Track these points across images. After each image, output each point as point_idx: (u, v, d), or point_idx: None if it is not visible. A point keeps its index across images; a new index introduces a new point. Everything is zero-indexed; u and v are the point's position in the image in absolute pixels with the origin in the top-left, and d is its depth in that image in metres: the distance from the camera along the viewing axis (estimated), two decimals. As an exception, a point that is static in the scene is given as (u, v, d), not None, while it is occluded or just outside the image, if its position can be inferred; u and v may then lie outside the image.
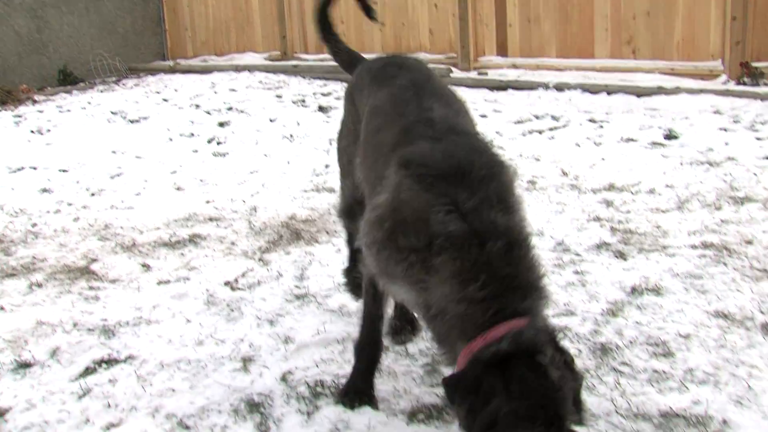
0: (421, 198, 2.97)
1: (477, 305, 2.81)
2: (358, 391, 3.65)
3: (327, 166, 7.77)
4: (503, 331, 2.74)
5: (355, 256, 4.26)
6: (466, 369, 2.77)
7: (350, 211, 4.09)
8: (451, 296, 2.86)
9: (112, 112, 10.84)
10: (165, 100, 11.57)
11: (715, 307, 4.53)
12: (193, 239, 5.97)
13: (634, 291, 4.74)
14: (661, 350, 4.08)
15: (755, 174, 7.10)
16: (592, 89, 10.74)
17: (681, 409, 3.56)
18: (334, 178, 7.31)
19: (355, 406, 3.60)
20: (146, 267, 5.48)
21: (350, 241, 4.36)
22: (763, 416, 3.51)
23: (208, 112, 10.53)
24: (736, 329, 4.27)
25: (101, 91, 12.79)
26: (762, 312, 4.46)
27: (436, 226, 2.89)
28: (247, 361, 4.10)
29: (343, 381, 3.84)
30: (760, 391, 3.69)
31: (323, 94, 11.56)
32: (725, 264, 5.13)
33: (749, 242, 5.51)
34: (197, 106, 10.95)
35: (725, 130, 8.78)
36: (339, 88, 11.62)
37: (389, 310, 3.78)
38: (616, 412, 3.54)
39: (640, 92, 10.48)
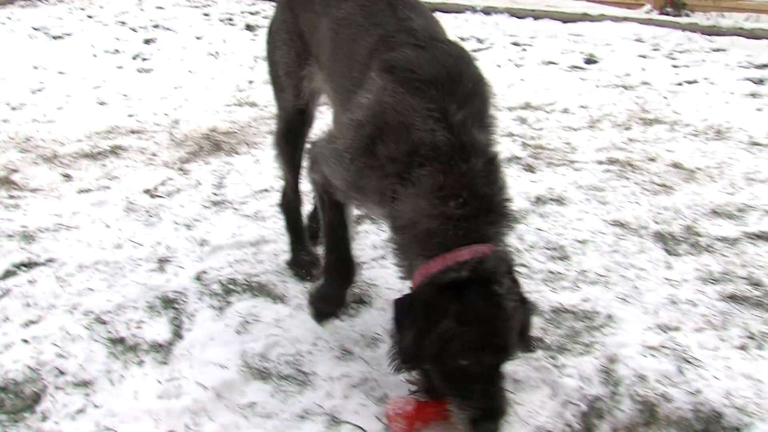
0: (407, 102, 2.85)
1: (450, 223, 2.78)
2: (330, 301, 3.64)
3: (251, 82, 7.81)
4: (466, 255, 2.73)
5: (297, 184, 4.16)
6: (421, 291, 2.79)
7: (292, 129, 3.96)
8: (426, 210, 2.80)
9: (34, 28, 10.58)
10: (90, 16, 11.35)
11: (614, 216, 4.80)
12: (115, 150, 6.01)
13: (539, 200, 4.98)
14: (558, 254, 4.34)
15: (665, 98, 7.38)
16: (519, 14, 10.87)
17: (571, 306, 3.84)
18: (257, 93, 7.39)
19: (325, 316, 3.66)
20: (67, 177, 5.52)
21: (292, 165, 4.10)
22: (644, 311, 3.80)
23: (134, 29, 10.39)
24: (631, 236, 4.55)
25: (22, 7, 12.45)
26: (656, 222, 4.74)
27: (422, 134, 2.81)
28: (163, 262, 4.23)
29: (255, 279, 4.02)
30: (644, 291, 3.98)
31: (251, 13, 11.47)
32: (627, 178, 5.40)
33: (653, 159, 5.79)
34: (123, 23, 10.79)
35: (644, 57, 9.04)
36: (267, 7, 11.54)
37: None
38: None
39: (566, 18, 10.65)
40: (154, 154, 5.87)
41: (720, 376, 3.34)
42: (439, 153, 2.80)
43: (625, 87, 7.73)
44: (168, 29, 10.40)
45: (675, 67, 8.62)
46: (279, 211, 4.30)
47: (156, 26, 10.59)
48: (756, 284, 4.06)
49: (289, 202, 4.21)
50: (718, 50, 9.38)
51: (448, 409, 2.85)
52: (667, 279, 4.09)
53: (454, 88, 2.87)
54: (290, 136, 3.97)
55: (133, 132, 6.39)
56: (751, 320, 3.75)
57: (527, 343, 3.00)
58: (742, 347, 3.55)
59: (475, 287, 2.71)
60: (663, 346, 3.51)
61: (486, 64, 8.48)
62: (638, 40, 9.81)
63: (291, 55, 3.80)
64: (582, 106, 7.05)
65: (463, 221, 2.80)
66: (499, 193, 2.92)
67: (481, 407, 2.77)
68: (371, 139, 2.92)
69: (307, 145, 3.84)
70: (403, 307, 2.84)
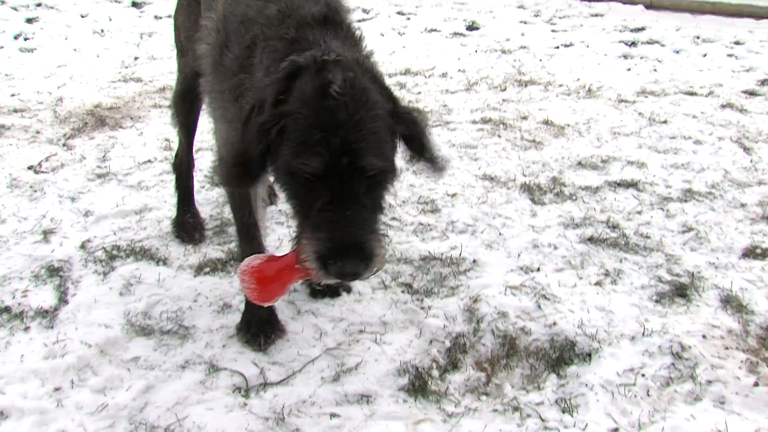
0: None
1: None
2: (260, 320, 3.38)
3: (136, 58, 7.81)
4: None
5: (191, 146, 4.24)
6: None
7: (189, 91, 3.90)
8: None
9: None
10: (-32, -4, 11.04)
11: (484, 171, 5.07)
12: (-3, 129, 5.97)
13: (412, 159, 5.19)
14: (429, 207, 4.58)
15: (541, 60, 7.72)
16: (405, -16, 11.08)
17: (439, 253, 4.08)
18: (142, 69, 7.41)
19: (261, 342, 3.33)
20: (-52, 157, 5.47)
21: (187, 127, 4.17)
22: (508, 255, 4.07)
23: (15, 9, 10.12)
24: (499, 189, 4.83)
25: None
26: (524, 175, 5.03)
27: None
28: (48, 234, 4.29)
29: (139, 245, 4.13)
30: (508, 237, 4.26)
31: (138, -10, 11.36)
32: (499, 136, 5.69)
33: (525, 118, 6.09)
34: (2, 2, 10.51)
35: (525, 23, 9.39)
36: (154, -16, 11.44)
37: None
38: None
39: (450, -13, 10.89)
40: (37, 132, 5.85)
41: (575, 309, 3.64)
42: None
43: (503, 51, 8.03)
44: (51, 8, 10.19)
45: (554, 32, 8.99)
46: (171, 170, 4.43)
47: (38, 5, 10.36)
48: (614, 227, 4.39)
49: (181, 163, 4.31)
50: (596, 15, 9.82)
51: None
52: (531, 226, 4.38)
53: None
54: (187, 98, 3.98)
55: (15, 111, 6.33)
56: (607, 259, 4.06)
57: (429, 156, 2.84)
58: (598, 283, 3.86)
59: (304, 74, 2.56)
60: (524, 285, 3.79)
61: (370, 34, 8.65)
62: (520, 7, 10.17)
63: (191, 20, 3.78)
64: (460, 71, 7.32)
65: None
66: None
67: (329, 240, 2.45)
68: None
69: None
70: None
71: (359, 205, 2.49)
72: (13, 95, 6.76)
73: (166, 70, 7.35)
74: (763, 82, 7.18)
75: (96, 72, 7.40)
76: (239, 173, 2.69)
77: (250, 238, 3.38)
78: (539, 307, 3.64)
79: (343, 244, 2.43)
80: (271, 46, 2.80)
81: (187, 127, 4.16)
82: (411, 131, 2.74)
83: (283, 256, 2.81)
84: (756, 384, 3.14)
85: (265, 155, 2.60)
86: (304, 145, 2.44)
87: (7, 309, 3.62)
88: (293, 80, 2.56)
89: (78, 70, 7.48)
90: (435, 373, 3.20)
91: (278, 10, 2.90)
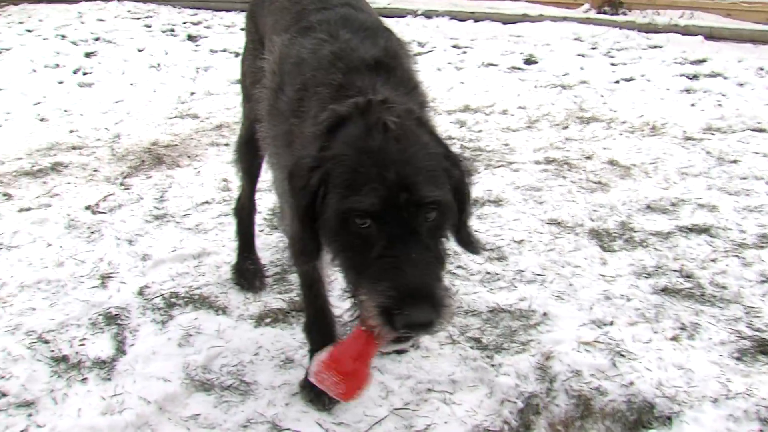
0: (299, 42, 3.00)
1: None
2: None
3: (192, 94, 7.81)
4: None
5: (253, 192, 4.18)
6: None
7: (253, 139, 3.71)
8: None
9: (-30, 44, 10.47)
10: (29, 30, 11.21)
11: (550, 215, 4.91)
12: (56, 167, 5.97)
13: (476, 203, 5.07)
14: (495, 255, 4.43)
15: (602, 96, 7.54)
16: (460, 16, 11.00)
17: (508, 305, 3.93)
18: (198, 104, 7.41)
19: (325, 403, 3.18)
20: (7, 196, 5.47)
21: (249, 174, 4.10)
22: (579, 308, 3.90)
23: (75, 43, 10.30)
24: (566, 234, 4.66)
25: (-41, 22, 12.29)
26: (592, 219, 4.86)
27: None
28: (105, 278, 4.24)
29: (197, 292, 4.04)
30: (579, 288, 4.08)
31: (193, 23, 11.45)
32: (564, 177, 5.52)
33: (589, 158, 5.92)
34: (63, 37, 10.67)
35: (583, 56, 9.21)
36: (209, 17, 11.55)
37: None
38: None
39: (506, 19, 10.79)
40: (95, 170, 5.85)
41: (652, 367, 3.45)
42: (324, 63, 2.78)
43: (563, 86, 7.87)
44: (109, 42, 10.33)
45: (612, 65, 8.80)
46: (231, 214, 4.36)
47: (97, 39, 10.51)
48: (688, 276, 4.19)
49: (243, 208, 4.23)
50: (654, 47, 9.59)
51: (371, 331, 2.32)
52: (601, 275, 4.21)
53: (348, 23, 2.92)
54: (250, 145, 3.85)
55: (74, 148, 6.35)
56: (682, 311, 3.87)
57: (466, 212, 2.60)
58: (674, 338, 3.66)
59: (352, 122, 2.41)
60: (597, 341, 3.62)
61: (426, 68, 8.59)
62: (577, 39, 9.99)
63: (255, 64, 3.67)
64: (520, 107, 7.17)
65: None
66: None
67: (393, 288, 2.18)
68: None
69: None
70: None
71: (422, 247, 2.25)
72: (71, 132, 6.80)
73: (222, 106, 7.34)
74: (836, 118, 6.91)
75: (153, 108, 7.41)
76: (301, 249, 2.54)
77: (314, 295, 3.25)
78: (614, 364, 3.47)
79: (411, 290, 2.15)
80: (318, 93, 2.69)
81: (250, 173, 4.09)
82: (462, 180, 2.52)
83: (350, 335, 2.51)
84: None
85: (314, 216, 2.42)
86: (356, 183, 2.24)
87: (65, 358, 3.56)
88: (334, 133, 2.41)
89: (135, 105, 7.51)
90: (507, 436, 3.05)
91: (331, 51, 2.80)
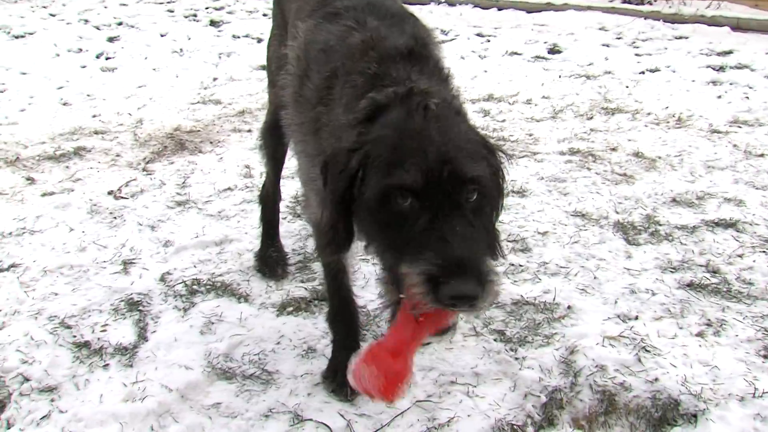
0: (325, 28, 2.96)
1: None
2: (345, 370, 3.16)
3: (215, 79, 7.81)
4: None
5: (278, 178, 4.14)
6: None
7: (278, 125, 3.67)
8: None
9: (-5, 28, 10.52)
10: (52, 15, 11.26)
11: (575, 207, 4.86)
12: (78, 152, 5.98)
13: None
14: (519, 246, 4.39)
15: (627, 87, 7.47)
16: (483, 4, 10.94)
17: (532, 298, 3.88)
18: (221, 90, 7.40)
19: (348, 393, 3.13)
20: (30, 180, 5.49)
21: (275, 160, 4.07)
22: (604, 302, 3.86)
23: (98, 27, 10.33)
24: (591, 227, 4.61)
25: (-17, 6, 12.36)
26: (617, 212, 4.81)
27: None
28: (127, 264, 4.23)
29: (219, 279, 4.03)
30: (603, 281, 4.04)
31: (216, 8, 11.46)
32: (589, 169, 5.47)
33: (614, 149, 5.87)
34: (86, 21, 10.71)
35: (607, 45, 9.14)
36: (232, 3, 11.56)
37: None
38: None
39: (530, 8, 10.73)
40: (117, 155, 5.85)
41: (677, 363, 3.40)
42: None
43: (587, 77, 7.81)
44: (132, 26, 10.35)
45: (637, 55, 8.73)
46: (256, 201, 4.33)
47: (120, 24, 10.53)
48: (714, 271, 4.13)
49: (267, 195, 4.21)
50: (680, 38, 9.50)
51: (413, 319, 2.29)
52: (626, 269, 4.16)
53: (375, 10, 2.89)
54: (275, 131, 3.82)
55: (96, 133, 6.36)
56: (708, 307, 3.82)
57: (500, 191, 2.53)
58: (700, 334, 3.61)
59: (391, 108, 2.42)
60: (622, 336, 3.57)
61: (450, 56, 8.52)
62: (602, 28, 9.91)
63: (280, 51, 3.60)
64: (545, 97, 7.12)
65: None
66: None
67: (439, 257, 2.10)
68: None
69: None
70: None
71: (467, 222, 2.19)
72: (94, 116, 6.81)
73: (245, 92, 7.33)
74: None
75: (175, 93, 7.41)
76: (331, 238, 2.50)
77: (338, 285, 3.23)
78: (639, 360, 3.42)
79: (457, 261, 2.07)
80: (351, 81, 2.65)
81: (275, 160, 4.06)
82: (499, 169, 2.49)
83: (388, 332, 2.45)
84: None
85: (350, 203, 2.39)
86: (397, 161, 2.22)
87: (87, 344, 3.55)
88: (373, 120, 2.42)
89: (158, 90, 7.51)
90: (530, 430, 3.01)
91: (362, 40, 2.76)
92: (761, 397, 3.18)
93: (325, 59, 2.81)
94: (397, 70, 2.61)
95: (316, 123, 2.77)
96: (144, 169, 5.54)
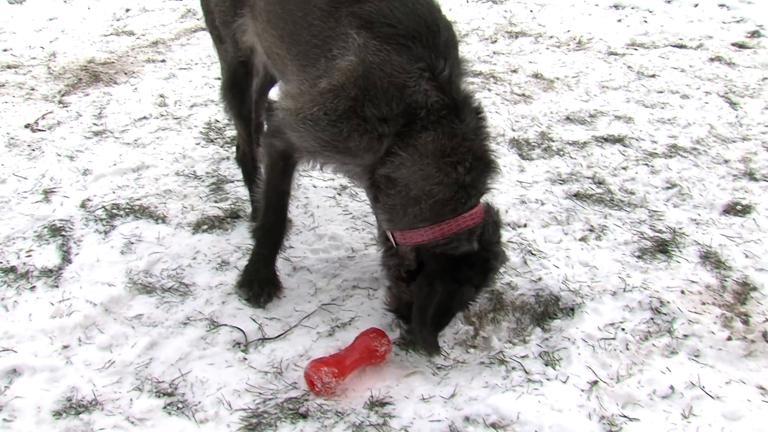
0: (394, 61, 2.80)
1: (462, 190, 2.88)
2: (262, 280, 3.48)
3: (128, 11, 7.77)
4: (469, 222, 2.91)
5: (251, 136, 4.01)
6: (436, 263, 2.95)
7: (237, 83, 3.76)
8: (436, 178, 2.84)
9: None
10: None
11: (474, 126, 5.15)
12: (-8, 87, 6.02)
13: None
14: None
15: (532, 11, 7.75)
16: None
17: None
18: (134, 21, 7.42)
19: (261, 300, 3.45)
20: (-55, 115, 5.52)
21: (242, 118, 3.96)
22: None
23: (4, -41, 10.08)
24: (489, 144, 4.92)
25: None
26: (513, 130, 5.14)
27: (416, 95, 2.80)
28: (48, 193, 4.39)
29: (138, 203, 4.24)
30: (497, 193, 4.30)
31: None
32: (489, 90, 5.77)
33: (515, 71, 6.17)
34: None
35: (517, -28, 9.33)
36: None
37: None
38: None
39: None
40: (32, 89, 5.91)
41: (560, 265, 3.78)
42: (437, 115, 2.81)
43: (494, 1, 8.04)
44: (40, -43, 10.12)
45: (544, -19, 8.94)
46: (237, 165, 4.33)
47: (26, -46, 10.29)
48: (599, 183, 4.51)
49: (245, 155, 4.12)
50: (587, -37, 9.73)
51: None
52: (519, 181, 4.51)
53: (436, 41, 2.85)
54: (236, 90, 3.81)
55: (9, 67, 6.36)
56: (592, 215, 4.19)
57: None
58: (583, 239, 3.99)
59: (480, 262, 2.98)
60: (511, 242, 3.92)
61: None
62: (509, -47, 10.07)
63: (226, 3, 3.57)
64: (452, 22, 7.32)
65: (471, 187, 2.90)
66: (489, 149, 3.01)
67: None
68: (357, 101, 2.82)
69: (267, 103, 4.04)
70: (424, 290, 2.99)
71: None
72: (5, 50, 6.77)
73: (158, 23, 7.38)
74: (753, 34, 7.22)
75: (88, 25, 7.39)
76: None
77: (280, 207, 3.42)
78: (525, 262, 3.78)
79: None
80: (440, 169, 2.90)
81: (242, 117, 3.94)
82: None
83: (350, 346, 3.15)
84: (729, 338, 3.30)
85: None
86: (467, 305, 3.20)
87: (13, 269, 3.73)
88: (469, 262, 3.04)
89: (69, 23, 7.46)
90: (425, 327, 3.34)
91: (443, 108, 2.88)
92: (631, 291, 3.58)
93: (399, 98, 2.84)
94: (479, 189, 3.05)
95: (376, 149, 2.96)
96: (60, 102, 5.62)
